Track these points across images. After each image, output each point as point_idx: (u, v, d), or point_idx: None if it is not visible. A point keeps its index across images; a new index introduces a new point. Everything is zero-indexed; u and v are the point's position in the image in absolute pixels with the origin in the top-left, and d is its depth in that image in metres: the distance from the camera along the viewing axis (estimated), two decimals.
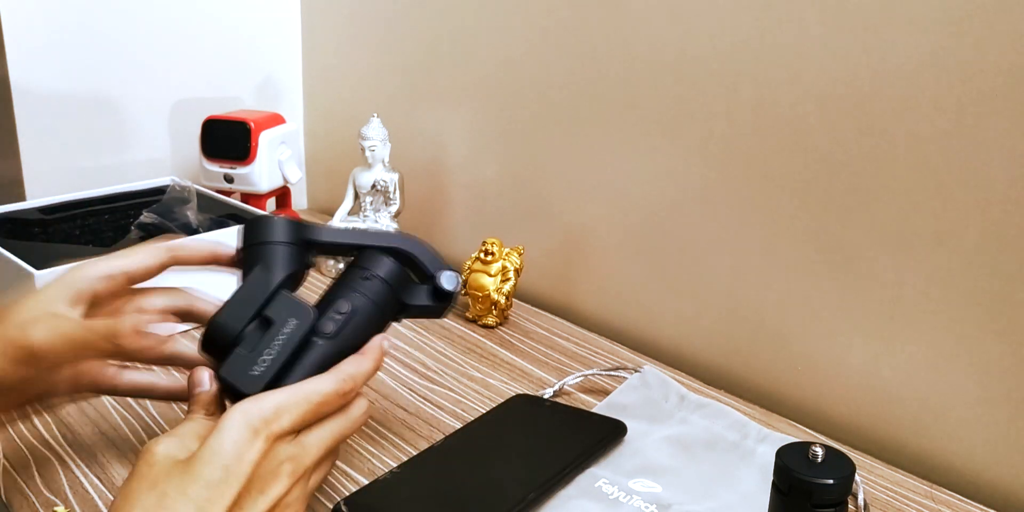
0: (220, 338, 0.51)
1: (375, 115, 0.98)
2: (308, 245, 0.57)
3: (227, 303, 0.53)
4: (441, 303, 0.60)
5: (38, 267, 0.73)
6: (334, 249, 0.59)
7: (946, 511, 0.63)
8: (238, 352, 0.50)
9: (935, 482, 0.66)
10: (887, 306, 0.71)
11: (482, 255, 0.88)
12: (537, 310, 0.94)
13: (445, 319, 0.90)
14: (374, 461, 0.65)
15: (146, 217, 0.89)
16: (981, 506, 0.63)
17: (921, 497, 0.64)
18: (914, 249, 0.68)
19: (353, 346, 0.54)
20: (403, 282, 0.58)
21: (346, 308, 0.54)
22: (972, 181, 0.64)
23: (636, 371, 0.76)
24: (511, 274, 0.88)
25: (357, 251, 0.58)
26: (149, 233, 0.88)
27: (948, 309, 0.67)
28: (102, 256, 0.57)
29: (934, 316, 0.68)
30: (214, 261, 0.59)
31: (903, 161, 0.67)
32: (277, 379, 0.50)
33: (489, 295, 0.87)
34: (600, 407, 0.73)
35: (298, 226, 0.57)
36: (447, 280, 0.60)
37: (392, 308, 0.58)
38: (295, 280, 0.56)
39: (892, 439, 0.72)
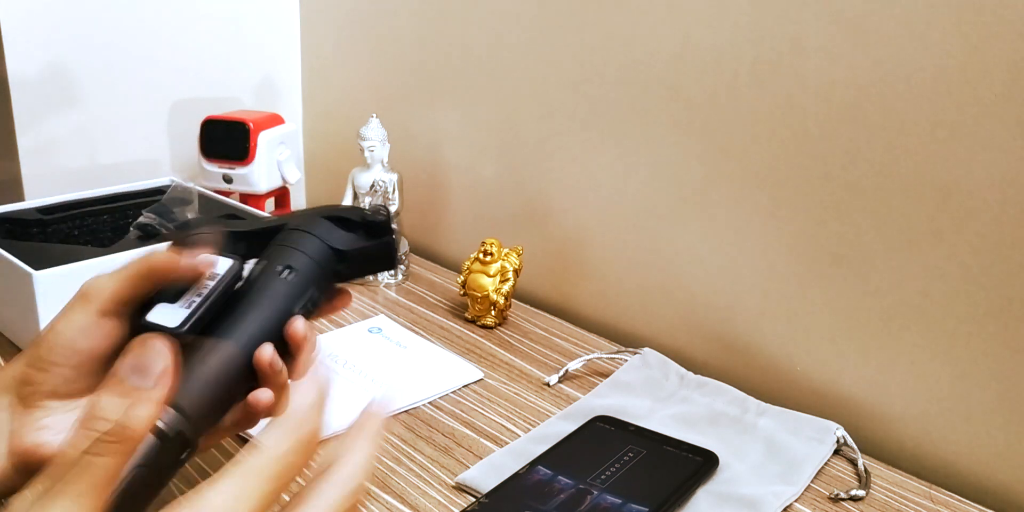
0: (155, 300, 0.48)
1: (374, 115, 0.98)
2: (235, 237, 0.53)
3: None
4: (379, 239, 0.54)
5: (36, 267, 0.73)
6: (259, 238, 0.54)
7: (945, 511, 0.63)
8: (166, 302, 0.47)
9: (934, 483, 0.66)
10: (886, 307, 0.71)
11: (481, 255, 0.88)
12: (536, 310, 0.94)
13: (444, 319, 0.90)
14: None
15: (145, 217, 0.88)
16: (980, 506, 0.63)
17: (920, 497, 0.64)
18: (913, 250, 0.68)
19: (290, 295, 0.50)
20: (335, 236, 0.54)
21: (278, 264, 0.50)
22: (971, 181, 0.64)
23: (636, 353, 0.80)
24: (510, 275, 0.88)
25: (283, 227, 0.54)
26: (148, 233, 0.88)
27: (947, 310, 0.67)
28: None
29: (932, 317, 0.68)
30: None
31: (901, 162, 0.67)
32: (205, 320, 0.47)
33: (488, 295, 0.87)
34: (604, 384, 0.76)
35: (222, 221, 0.55)
36: (374, 212, 0.54)
37: (330, 261, 0.53)
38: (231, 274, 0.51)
39: (891, 440, 0.72)
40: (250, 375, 0.47)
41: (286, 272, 0.50)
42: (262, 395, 0.47)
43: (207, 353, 0.46)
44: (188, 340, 0.46)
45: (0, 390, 0.48)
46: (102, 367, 0.48)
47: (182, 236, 0.52)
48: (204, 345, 0.47)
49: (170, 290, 0.48)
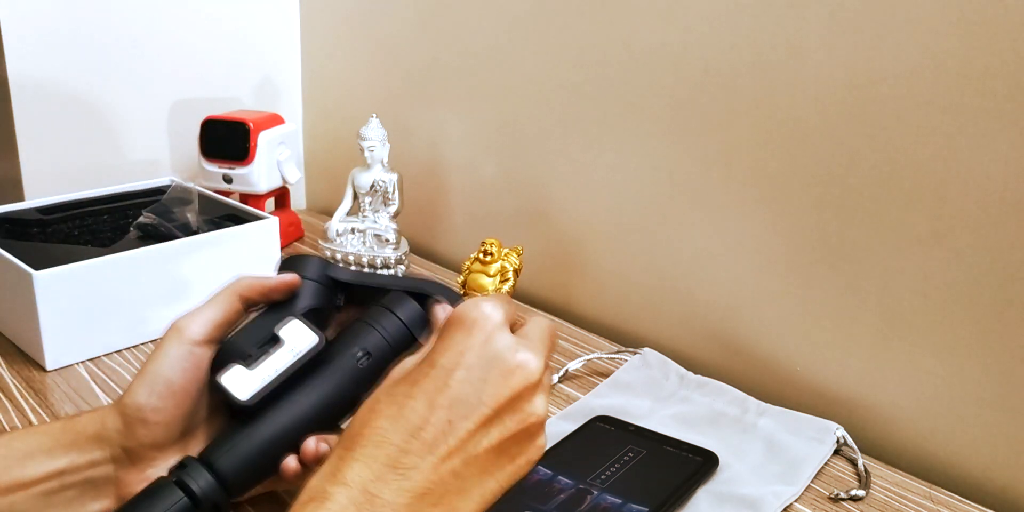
0: (231, 356, 0.51)
1: (374, 115, 0.98)
2: (335, 285, 0.58)
3: (243, 326, 0.54)
4: None
5: (36, 267, 0.73)
6: (360, 290, 0.59)
7: (945, 511, 0.63)
8: (242, 365, 0.50)
9: (934, 482, 0.66)
10: (886, 307, 0.71)
11: (481, 255, 0.88)
12: (536, 311, 0.94)
13: None
14: None
15: (145, 217, 0.88)
16: (980, 506, 0.63)
17: (920, 497, 0.64)
18: (912, 250, 0.68)
19: (359, 382, 0.53)
20: (421, 324, 0.57)
21: (359, 346, 0.53)
22: (970, 182, 0.64)
23: (636, 353, 0.80)
24: (510, 275, 0.88)
25: (382, 293, 0.58)
26: (148, 234, 0.88)
27: (946, 310, 0.67)
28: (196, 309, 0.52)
29: (932, 317, 0.68)
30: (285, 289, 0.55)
31: (901, 162, 0.67)
32: (276, 396, 0.50)
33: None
34: (605, 384, 0.76)
35: (326, 265, 0.58)
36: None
37: (410, 348, 0.56)
38: (318, 316, 0.56)
39: (891, 440, 0.72)
40: (295, 448, 0.50)
41: (362, 356, 0.52)
42: (292, 463, 0.49)
43: (262, 430, 0.49)
44: (251, 410, 0.49)
45: (102, 442, 0.49)
46: (197, 406, 0.50)
47: (286, 269, 0.55)
48: (262, 420, 0.49)
49: (243, 339, 0.51)
